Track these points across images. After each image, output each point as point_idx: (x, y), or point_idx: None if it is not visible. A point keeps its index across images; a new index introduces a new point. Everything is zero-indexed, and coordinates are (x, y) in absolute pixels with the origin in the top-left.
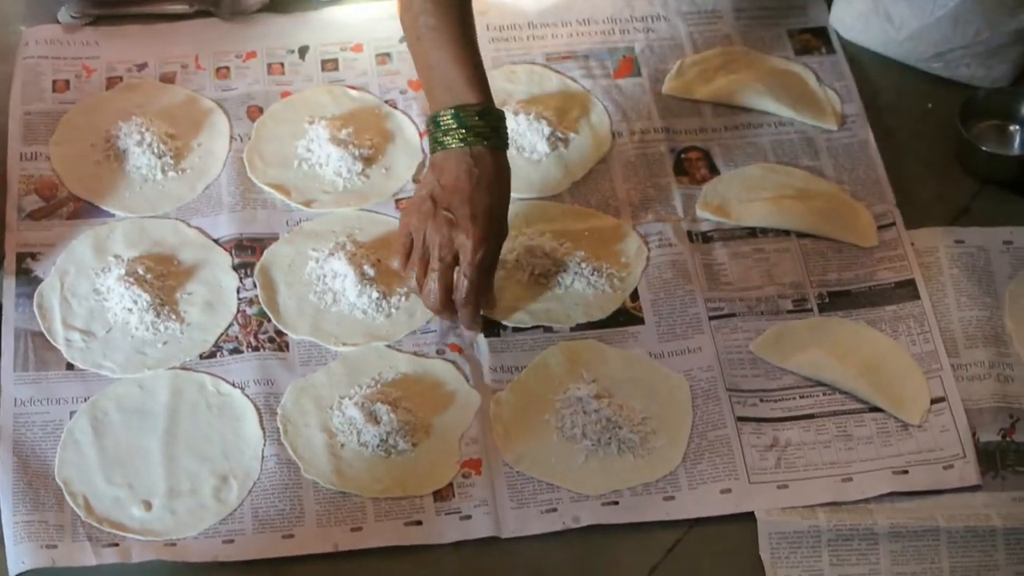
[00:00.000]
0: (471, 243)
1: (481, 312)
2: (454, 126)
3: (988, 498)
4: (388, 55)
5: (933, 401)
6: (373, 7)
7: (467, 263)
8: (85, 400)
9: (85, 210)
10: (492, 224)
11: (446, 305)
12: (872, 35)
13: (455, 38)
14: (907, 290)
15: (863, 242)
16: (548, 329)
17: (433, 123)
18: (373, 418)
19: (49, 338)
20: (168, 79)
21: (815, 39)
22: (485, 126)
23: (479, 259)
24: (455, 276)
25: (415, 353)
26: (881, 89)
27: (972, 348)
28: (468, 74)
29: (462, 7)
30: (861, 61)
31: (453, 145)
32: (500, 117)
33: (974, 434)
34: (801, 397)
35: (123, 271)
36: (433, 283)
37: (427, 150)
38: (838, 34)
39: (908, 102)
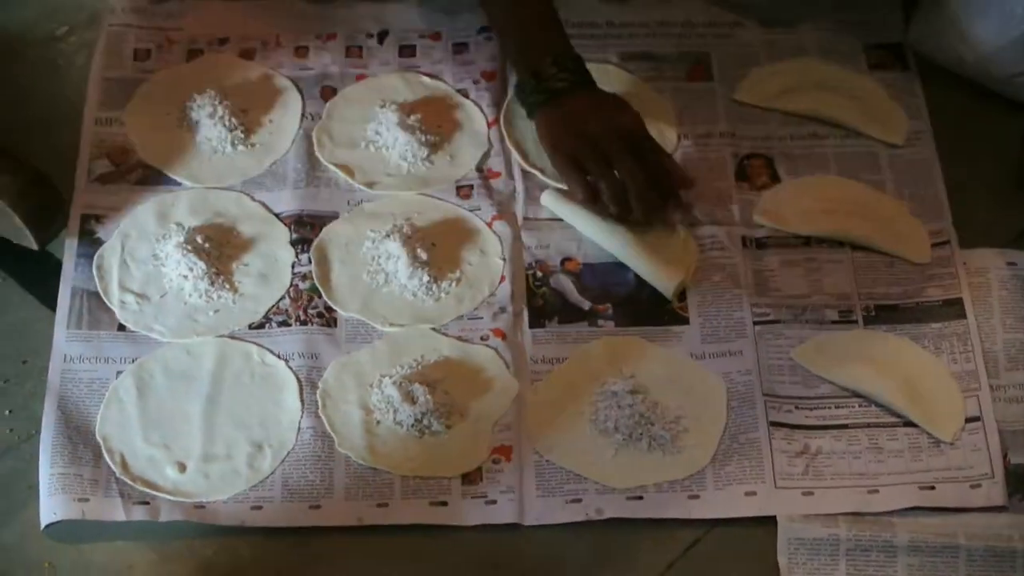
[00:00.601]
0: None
1: None
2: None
3: (1012, 520)
4: (465, 44)
5: (968, 420)
6: None
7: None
8: (133, 361)
9: (153, 177)
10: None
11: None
12: (946, 54)
13: None
14: (954, 308)
15: (916, 258)
16: (593, 323)
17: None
18: (410, 398)
19: (104, 299)
20: (247, 55)
21: (890, 55)
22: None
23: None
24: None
25: (459, 338)
26: (950, 108)
27: (1013, 370)
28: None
29: None
30: (933, 79)
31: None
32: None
33: (1005, 455)
34: (836, 407)
35: (182, 238)
36: (638, 172)
37: (494, 139)
38: (914, 51)
39: (976, 123)
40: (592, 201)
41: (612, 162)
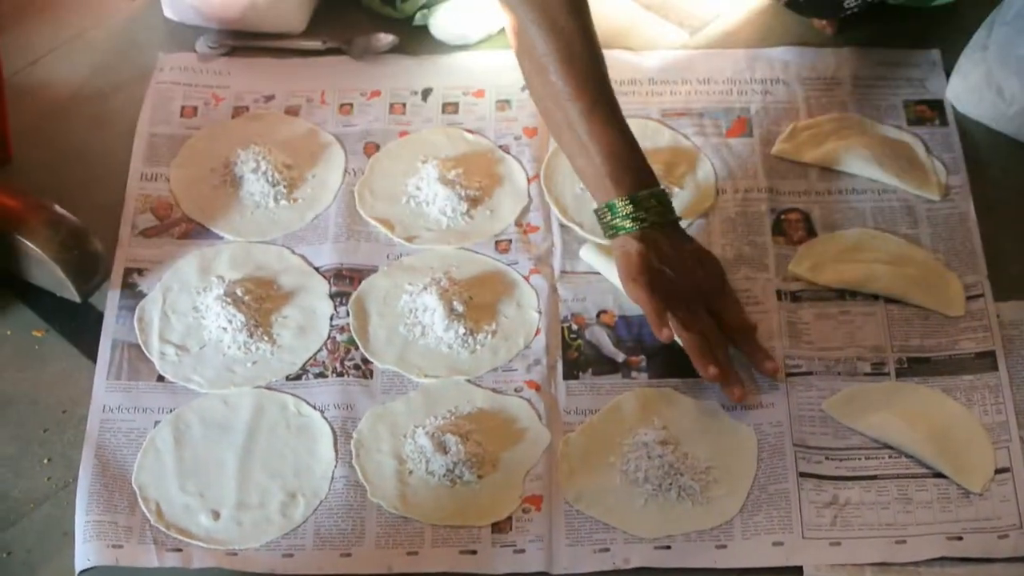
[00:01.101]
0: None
1: None
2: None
3: None
4: (508, 102)
5: (998, 471)
6: (499, 54)
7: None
8: (171, 411)
9: (196, 232)
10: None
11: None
12: (984, 109)
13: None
14: (987, 361)
15: (950, 311)
16: (627, 375)
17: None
18: (442, 448)
19: (145, 350)
20: (292, 112)
21: (930, 110)
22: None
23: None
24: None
25: (493, 389)
26: (988, 163)
27: None
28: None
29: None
30: (972, 134)
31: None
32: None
33: None
34: (867, 458)
35: (222, 291)
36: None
37: (533, 193)
38: (953, 107)
39: (1014, 178)
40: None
41: (688, 317)
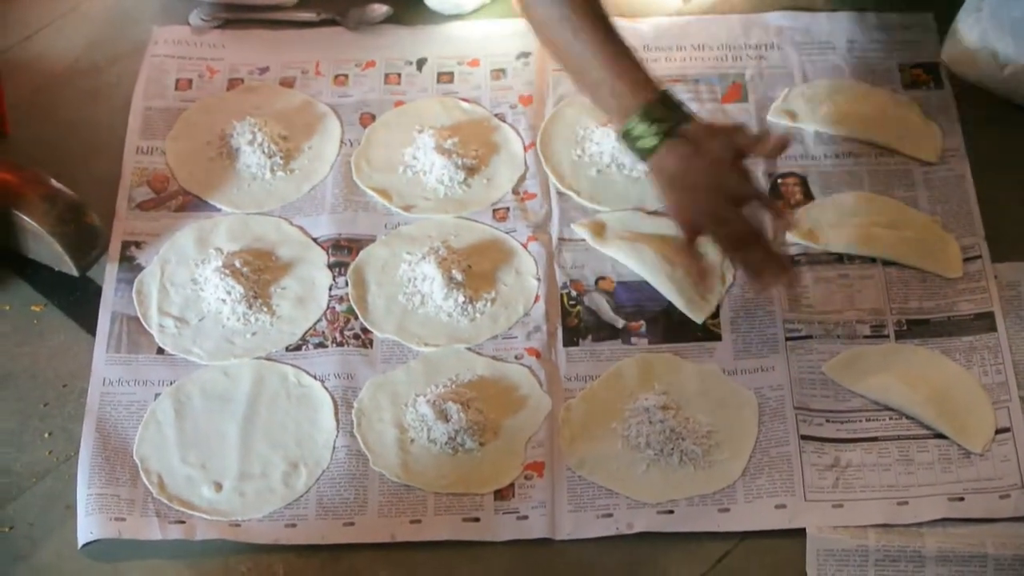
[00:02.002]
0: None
1: None
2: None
3: None
4: (503, 70)
5: (998, 431)
6: (493, 24)
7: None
8: (171, 384)
9: (193, 204)
10: None
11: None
12: (979, 72)
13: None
14: (985, 322)
15: (947, 272)
16: (626, 341)
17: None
18: (443, 416)
19: (144, 323)
20: (288, 83)
21: (925, 74)
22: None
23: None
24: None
25: (494, 357)
26: (984, 125)
27: None
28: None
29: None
30: (968, 97)
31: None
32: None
33: None
34: (867, 420)
35: (220, 263)
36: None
37: (530, 161)
38: (948, 69)
39: (1009, 139)
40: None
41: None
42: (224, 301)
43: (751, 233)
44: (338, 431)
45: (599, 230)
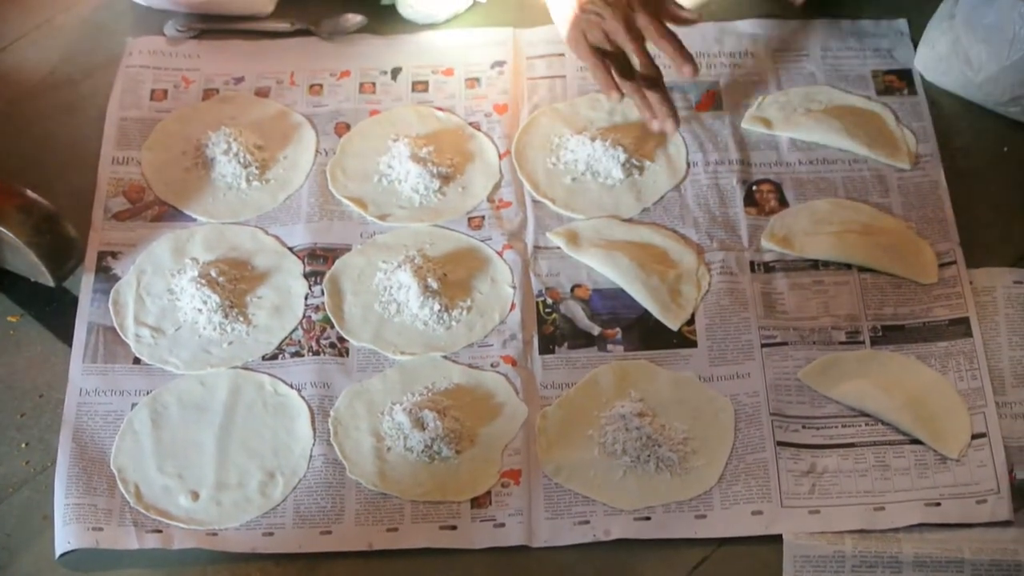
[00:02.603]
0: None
1: None
2: None
3: (1018, 534)
4: (477, 80)
5: (974, 436)
6: (468, 33)
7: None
8: (147, 393)
9: (169, 214)
10: None
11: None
12: (952, 78)
13: None
14: (961, 327)
15: (922, 278)
16: (602, 348)
17: None
18: (420, 424)
19: (120, 333)
20: (263, 93)
21: (899, 80)
22: None
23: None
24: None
25: (470, 365)
26: (958, 131)
27: (1019, 387)
28: None
29: None
30: (941, 103)
31: None
32: None
33: (1011, 471)
34: (843, 426)
35: (196, 273)
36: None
37: (505, 169)
38: (921, 76)
39: (983, 145)
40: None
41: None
42: (200, 311)
43: (649, 65)
44: (315, 440)
45: (574, 238)
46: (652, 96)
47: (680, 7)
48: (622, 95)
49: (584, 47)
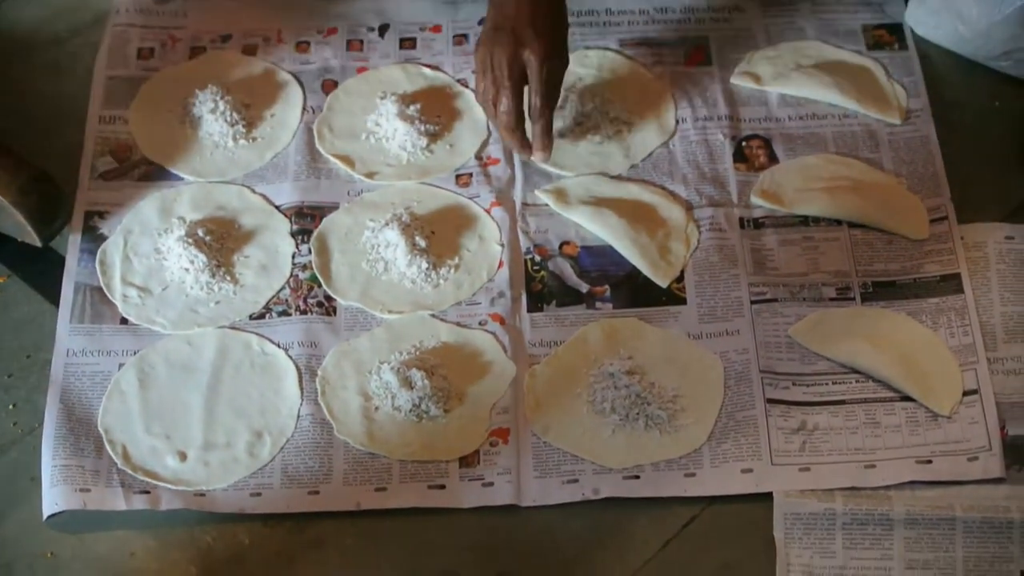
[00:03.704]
0: (536, 59)
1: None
2: None
3: (1010, 491)
4: (465, 36)
5: (966, 393)
6: None
7: (535, 77)
8: (135, 354)
9: (156, 173)
10: (556, 42)
11: (519, 122)
12: (943, 32)
13: None
14: (952, 283)
15: (913, 234)
16: (591, 306)
17: None
18: (407, 383)
19: (107, 293)
20: (249, 51)
21: (889, 35)
22: None
23: (546, 73)
24: (526, 94)
25: (458, 323)
26: (949, 86)
27: (1011, 343)
28: None
29: None
30: (932, 57)
31: None
32: None
33: (1003, 427)
34: (834, 383)
35: (183, 232)
36: (506, 99)
37: (492, 127)
38: (912, 30)
39: (974, 99)
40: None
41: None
42: (187, 270)
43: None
44: (302, 399)
45: (562, 195)
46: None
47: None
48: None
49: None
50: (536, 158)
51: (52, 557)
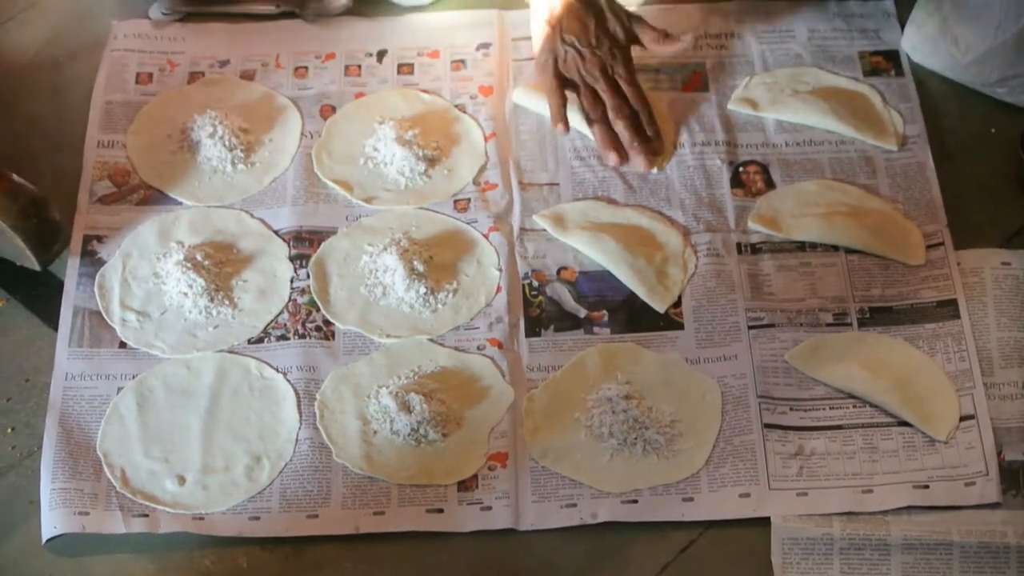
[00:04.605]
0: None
1: None
2: None
3: (1007, 516)
4: (463, 61)
5: (962, 418)
6: (453, 15)
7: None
8: (133, 377)
9: (154, 198)
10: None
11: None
12: (939, 59)
13: None
14: (948, 309)
15: (910, 260)
16: (589, 331)
17: None
18: (406, 407)
19: (106, 317)
20: (248, 76)
21: (886, 61)
22: None
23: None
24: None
25: (456, 348)
26: (945, 112)
27: (1007, 368)
28: None
29: None
30: (928, 84)
31: None
32: None
33: (1000, 452)
34: (831, 408)
35: (182, 256)
36: (615, 99)
37: (491, 152)
38: (908, 57)
39: (971, 126)
40: (560, 117)
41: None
42: (186, 294)
43: (615, 93)
44: (301, 423)
45: (560, 220)
46: (622, 130)
47: (659, 33)
48: (567, 128)
49: (550, 72)
50: (637, 164)
51: None
